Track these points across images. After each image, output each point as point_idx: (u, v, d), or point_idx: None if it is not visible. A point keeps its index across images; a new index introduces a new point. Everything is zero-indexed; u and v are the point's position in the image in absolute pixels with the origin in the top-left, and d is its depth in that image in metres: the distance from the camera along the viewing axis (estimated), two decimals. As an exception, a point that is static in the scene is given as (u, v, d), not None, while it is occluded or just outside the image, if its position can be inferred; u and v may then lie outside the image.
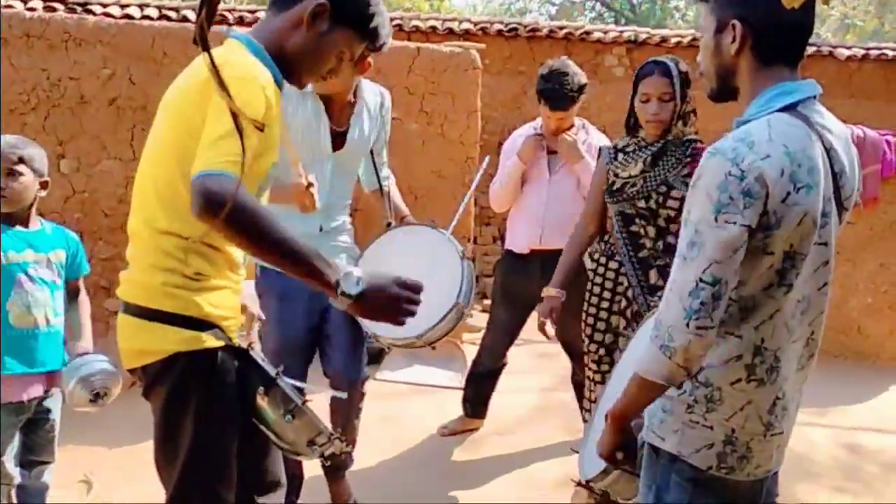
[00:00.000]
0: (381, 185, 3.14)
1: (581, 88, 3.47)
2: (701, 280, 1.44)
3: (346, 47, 1.89)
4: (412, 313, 1.74)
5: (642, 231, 2.97)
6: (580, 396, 3.67)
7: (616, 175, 2.99)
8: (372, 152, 3.08)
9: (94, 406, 2.53)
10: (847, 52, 8.47)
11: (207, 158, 1.57)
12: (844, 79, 8.48)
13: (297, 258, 1.63)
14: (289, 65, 1.83)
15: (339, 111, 2.91)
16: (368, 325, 2.76)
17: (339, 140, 2.91)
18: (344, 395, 2.57)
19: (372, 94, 3.04)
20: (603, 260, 3.11)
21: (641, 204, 2.94)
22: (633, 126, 3.02)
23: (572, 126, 3.64)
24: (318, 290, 1.67)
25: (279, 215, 2.79)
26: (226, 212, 1.50)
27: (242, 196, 1.54)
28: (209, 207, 1.52)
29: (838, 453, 4.14)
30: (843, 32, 20.90)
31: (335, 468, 3.18)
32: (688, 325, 1.43)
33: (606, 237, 3.15)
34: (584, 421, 3.59)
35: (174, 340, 1.76)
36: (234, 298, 1.86)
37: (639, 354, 1.56)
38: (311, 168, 2.83)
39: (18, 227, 2.66)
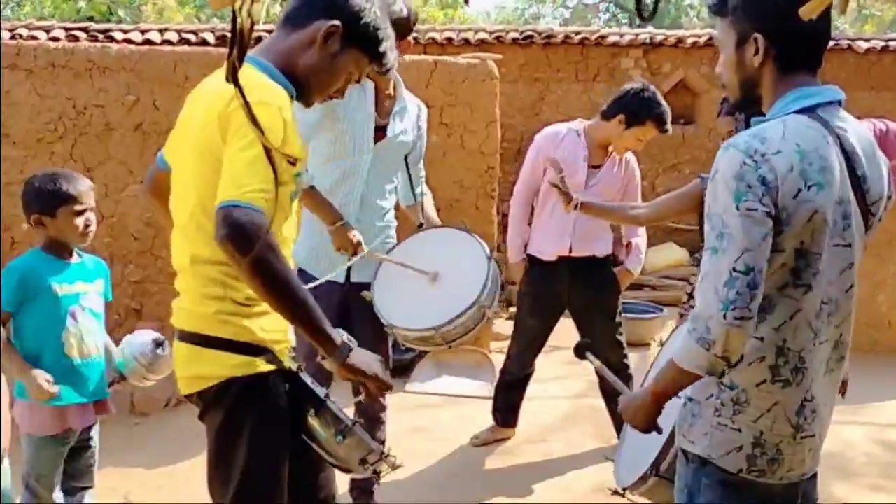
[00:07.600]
0: (415, 199, 3.18)
1: None
2: (734, 270, 1.44)
3: (355, 68, 1.93)
4: (383, 391, 1.88)
5: None
6: (609, 404, 3.67)
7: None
8: (408, 165, 3.11)
9: (160, 357, 2.59)
10: (866, 45, 8.42)
11: (235, 187, 1.60)
12: (864, 71, 8.42)
13: (308, 310, 1.70)
14: (299, 83, 1.86)
15: (380, 103, 2.94)
16: (384, 314, 2.77)
17: (379, 133, 2.94)
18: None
19: (412, 102, 3.08)
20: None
21: None
22: None
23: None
24: (314, 346, 1.77)
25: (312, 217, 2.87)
26: (254, 250, 1.55)
27: (271, 239, 1.59)
28: (235, 238, 1.56)
29: (874, 451, 4.10)
30: (861, 23, 20.71)
31: (363, 492, 3.19)
32: (725, 316, 1.43)
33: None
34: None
35: (229, 366, 1.81)
36: (283, 321, 1.89)
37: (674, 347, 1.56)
38: (352, 162, 2.88)
39: (67, 260, 2.73)
